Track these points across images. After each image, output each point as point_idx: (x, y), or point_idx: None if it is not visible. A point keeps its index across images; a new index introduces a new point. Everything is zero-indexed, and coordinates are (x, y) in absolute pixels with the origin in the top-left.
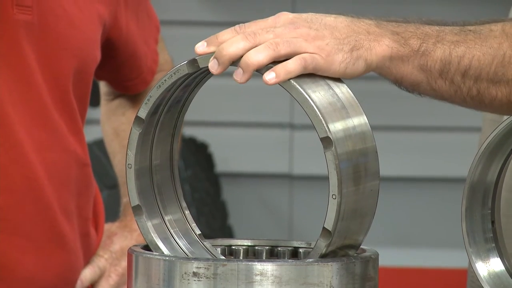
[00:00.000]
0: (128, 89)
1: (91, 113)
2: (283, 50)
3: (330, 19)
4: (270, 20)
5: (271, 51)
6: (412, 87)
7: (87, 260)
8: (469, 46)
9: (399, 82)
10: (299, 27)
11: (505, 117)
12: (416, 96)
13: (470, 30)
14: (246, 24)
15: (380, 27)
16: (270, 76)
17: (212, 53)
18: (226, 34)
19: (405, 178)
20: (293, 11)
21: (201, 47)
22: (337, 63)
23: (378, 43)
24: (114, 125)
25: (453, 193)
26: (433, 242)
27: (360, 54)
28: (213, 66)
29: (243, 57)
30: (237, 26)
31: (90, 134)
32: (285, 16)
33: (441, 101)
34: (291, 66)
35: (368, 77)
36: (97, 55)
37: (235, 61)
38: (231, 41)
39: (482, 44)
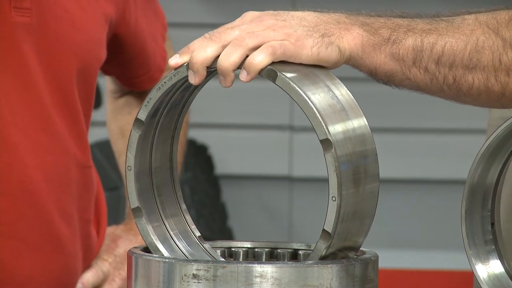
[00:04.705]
0: (135, 85)
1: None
2: (251, 42)
3: (297, 13)
4: (237, 20)
5: (239, 47)
6: (387, 78)
7: (87, 262)
8: (441, 34)
9: (373, 73)
10: (265, 19)
11: (508, 118)
12: (417, 97)
13: (442, 20)
14: (215, 30)
15: (350, 18)
16: (243, 75)
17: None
18: (196, 43)
19: (405, 180)
20: None
21: (174, 59)
22: (308, 47)
23: (348, 31)
24: (120, 124)
25: (452, 195)
26: (433, 244)
27: (332, 40)
28: (190, 77)
29: (217, 65)
30: (206, 34)
31: (91, 136)
32: (251, 14)
33: (419, 91)
34: (259, 58)
35: (368, 79)
36: (102, 54)
37: (212, 65)
38: (199, 48)
39: (454, 31)
